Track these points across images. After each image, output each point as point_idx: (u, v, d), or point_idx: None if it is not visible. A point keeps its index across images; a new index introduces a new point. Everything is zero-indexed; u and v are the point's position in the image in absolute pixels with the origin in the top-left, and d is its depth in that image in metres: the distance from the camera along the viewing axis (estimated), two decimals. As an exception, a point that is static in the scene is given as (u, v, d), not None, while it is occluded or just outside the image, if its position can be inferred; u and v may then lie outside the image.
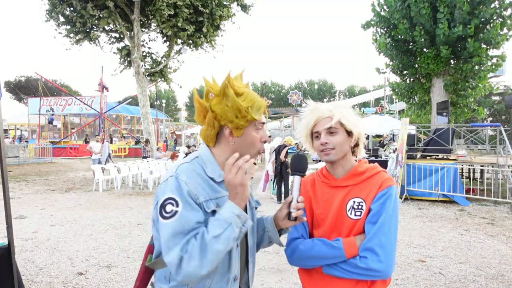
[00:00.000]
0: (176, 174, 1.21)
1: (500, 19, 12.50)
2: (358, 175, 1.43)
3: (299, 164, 1.40)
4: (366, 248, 1.32)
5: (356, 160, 1.50)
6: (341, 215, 1.40)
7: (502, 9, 12.42)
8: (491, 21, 12.58)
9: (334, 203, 1.42)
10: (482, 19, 12.35)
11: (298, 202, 1.33)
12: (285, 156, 8.92)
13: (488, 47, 13.03)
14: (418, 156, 10.24)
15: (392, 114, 33.49)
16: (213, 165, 1.29)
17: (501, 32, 12.57)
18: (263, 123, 1.34)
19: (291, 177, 9.61)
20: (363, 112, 36.53)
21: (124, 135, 34.77)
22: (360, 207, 1.38)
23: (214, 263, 1.14)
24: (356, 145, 1.47)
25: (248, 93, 1.29)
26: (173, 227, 1.14)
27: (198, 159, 1.31)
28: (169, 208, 1.16)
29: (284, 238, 1.47)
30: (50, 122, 36.04)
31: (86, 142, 26.32)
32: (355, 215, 1.38)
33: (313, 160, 16.20)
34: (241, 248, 1.37)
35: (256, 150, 1.33)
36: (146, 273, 1.36)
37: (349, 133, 1.43)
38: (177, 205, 1.16)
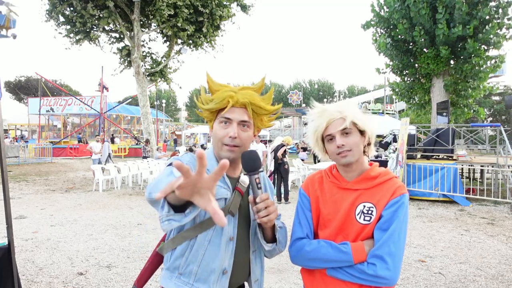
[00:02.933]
0: (180, 157, 1.38)
1: (498, 20, 12.49)
2: (370, 180, 1.40)
3: (250, 163, 1.29)
4: (375, 255, 1.29)
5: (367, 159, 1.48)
6: (349, 219, 1.37)
7: (499, 9, 12.40)
8: (489, 21, 12.57)
9: (343, 205, 1.39)
10: (481, 20, 12.34)
11: (262, 198, 1.27)
12: (283, 155, 8.96)
13: (487, 48, 13.02)
14: (418, 156, 10.23)
15: (393, 114, 33.43)
16: (209, 157, 1.40)
17: (499, 32, 12.54)
18: (228, 118, 1.33)
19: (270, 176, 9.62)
20: (367, 109, 35.34)
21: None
22: (370, 212, 1.35)
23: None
24: (368, 144, 1.44)
25: (224, 91, 1.36)
26: (164, 173, 1.27)
27: None
28: (168, 163, 1.34)
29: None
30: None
31: (81, 141, 26.37)
32: (364, 219, 1.35)
33: (302, 160, 16.18)
34: (241, 247, 1.38)
35: (221, 145, 1.34)
36: (156, 257, 1.50)
37: (362, 133, 1.40)
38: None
